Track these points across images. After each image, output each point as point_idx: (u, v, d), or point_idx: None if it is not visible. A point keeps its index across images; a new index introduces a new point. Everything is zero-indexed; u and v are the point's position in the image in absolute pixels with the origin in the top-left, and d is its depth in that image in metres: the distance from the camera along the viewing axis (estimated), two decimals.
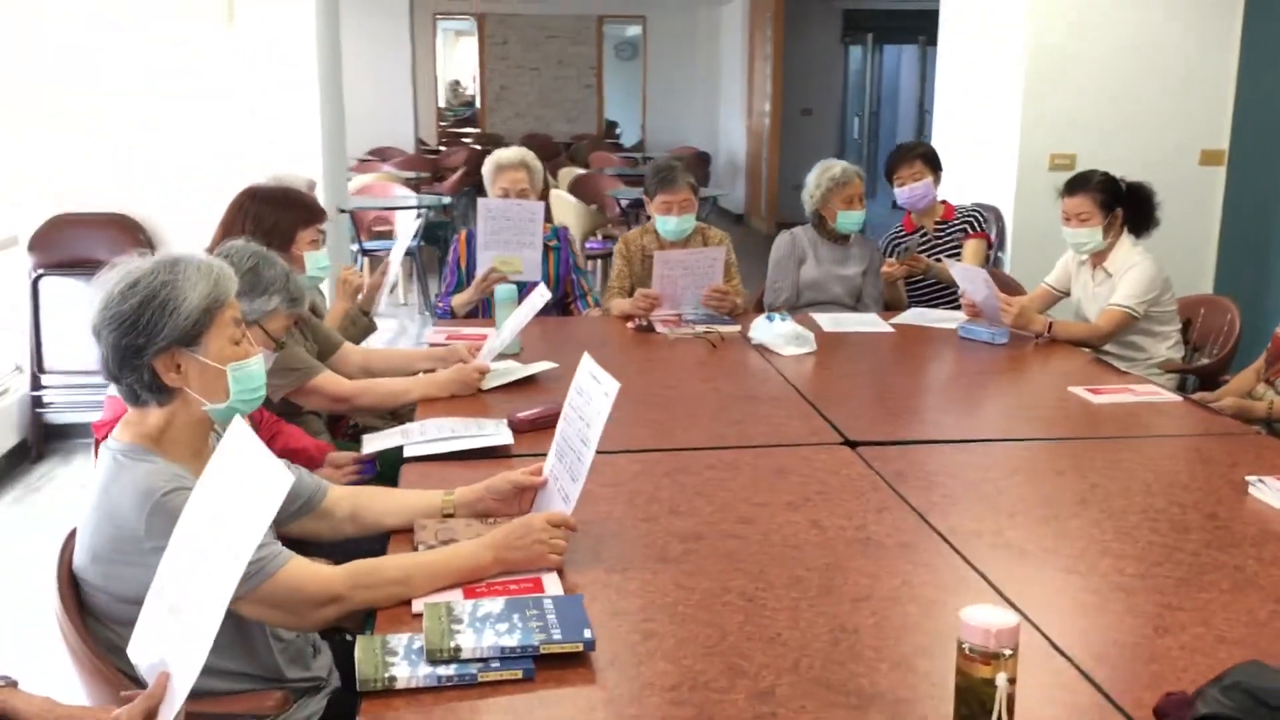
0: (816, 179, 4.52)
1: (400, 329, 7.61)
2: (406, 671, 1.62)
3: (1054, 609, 1.89)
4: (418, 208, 7.93)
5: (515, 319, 3.33)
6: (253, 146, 5.19)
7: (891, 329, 4.01)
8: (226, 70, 5.22)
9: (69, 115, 5.20)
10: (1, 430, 5.07)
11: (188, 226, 4.64)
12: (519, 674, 1.64)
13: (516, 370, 3.26)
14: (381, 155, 12.26)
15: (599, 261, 8.25)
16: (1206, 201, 5.96)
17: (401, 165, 11.23)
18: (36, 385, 5.26)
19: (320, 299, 4.00)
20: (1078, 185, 3.97)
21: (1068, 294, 4.19)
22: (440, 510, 2.19)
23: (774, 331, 3.65)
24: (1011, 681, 1.46)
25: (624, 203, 9.47)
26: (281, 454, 2.79)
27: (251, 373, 1.95)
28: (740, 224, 13.98)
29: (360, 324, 3.95)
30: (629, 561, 2.06)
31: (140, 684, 1.68)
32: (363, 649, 1.68)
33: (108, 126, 5.21)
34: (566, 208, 8.22)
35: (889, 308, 4.56)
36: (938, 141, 6.77)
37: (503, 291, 3.68)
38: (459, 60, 21.15)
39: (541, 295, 3.35)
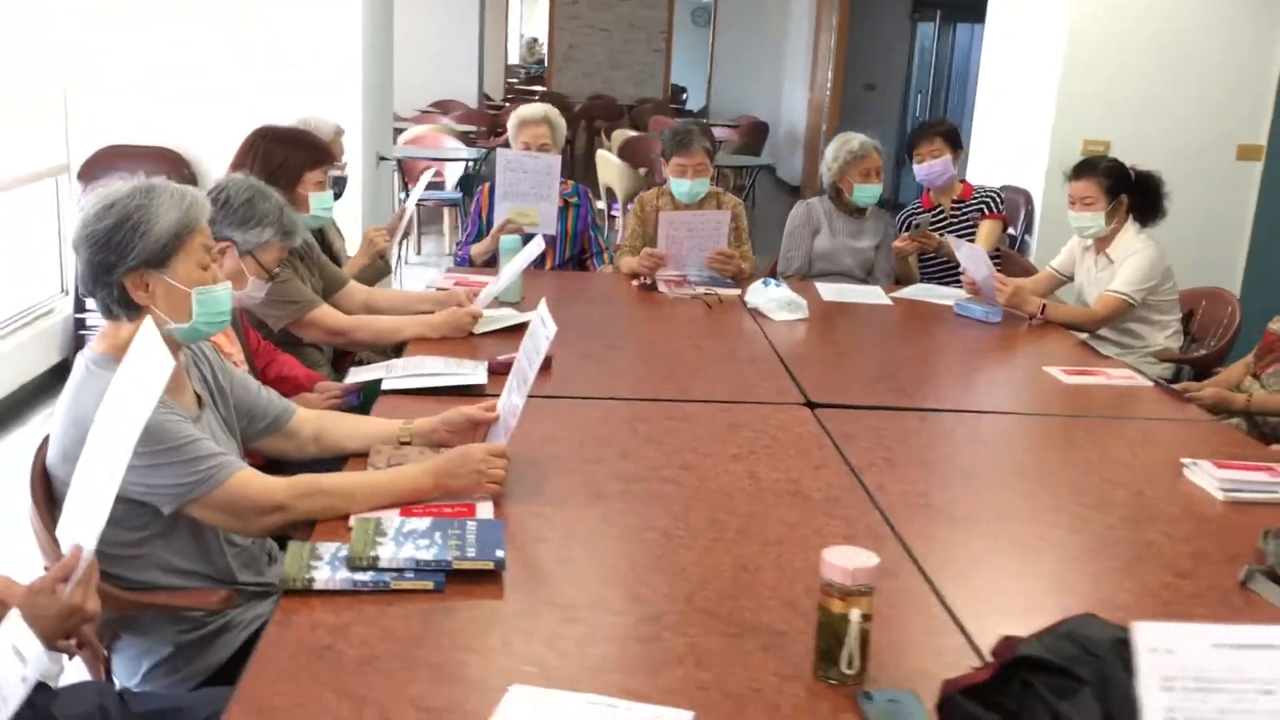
0: (834, 152, 4.58)
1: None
2: (326, 574, 1.76)
3: (952, 564, 1.99)
4: (453, 159, 8.07)
5: (511, 267, 3.45)
6: (292, 92, 5.35)
7: (890, 302, 4.08)
8: (270, 16, 5.38)
9: (124, 60, 5.41)
10: (45, 349, 5.31)
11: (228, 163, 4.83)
12: (430, 585, 1.77)
13: (510, 317, 3.39)
14: (443, 108, 12.43)
15: None
16: (1241, 197, 5.92)
17: (460, 119, 11.38)
18: (80, 308, 5.49)
19: (339, 238, 4.16)
20: (1084, 169, 4.00)
21: (1071, 278, 4.23)
22: (397, 438, 2.33)
23: (768, 296, 3.74)
24: (866, 618, 1.57)
25: None
26: (274, 380, 2.98)
27: (217, 296, 2.08)
28: (796, 195, 13.97)
29: (376, 266, 4.10)
30: (565, 497, 2.18)
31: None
32: (292, 553, 1.82)
33: (158, 68, 5.40)
34: (610, 169, 8.31)
35: (900, 283, 4.62)
36: (977, 122, 6.78)
37: (507, 241, 3.80)
38: (539, 18, 21.24)
39: (537, 245, 3.47)
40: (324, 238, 3.89)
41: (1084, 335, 3.84)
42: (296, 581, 1.75)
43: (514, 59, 18.85)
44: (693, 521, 2.09)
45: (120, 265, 1.97)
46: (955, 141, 4.74)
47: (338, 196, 3.93)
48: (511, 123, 4.56)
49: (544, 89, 17.07)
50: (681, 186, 4.32)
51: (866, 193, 4.55)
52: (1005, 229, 4.85)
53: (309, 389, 2.95)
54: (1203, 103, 5.77)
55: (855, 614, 1.56)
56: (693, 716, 1.44)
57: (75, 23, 5.39)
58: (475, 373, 2.81)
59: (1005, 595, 1.90)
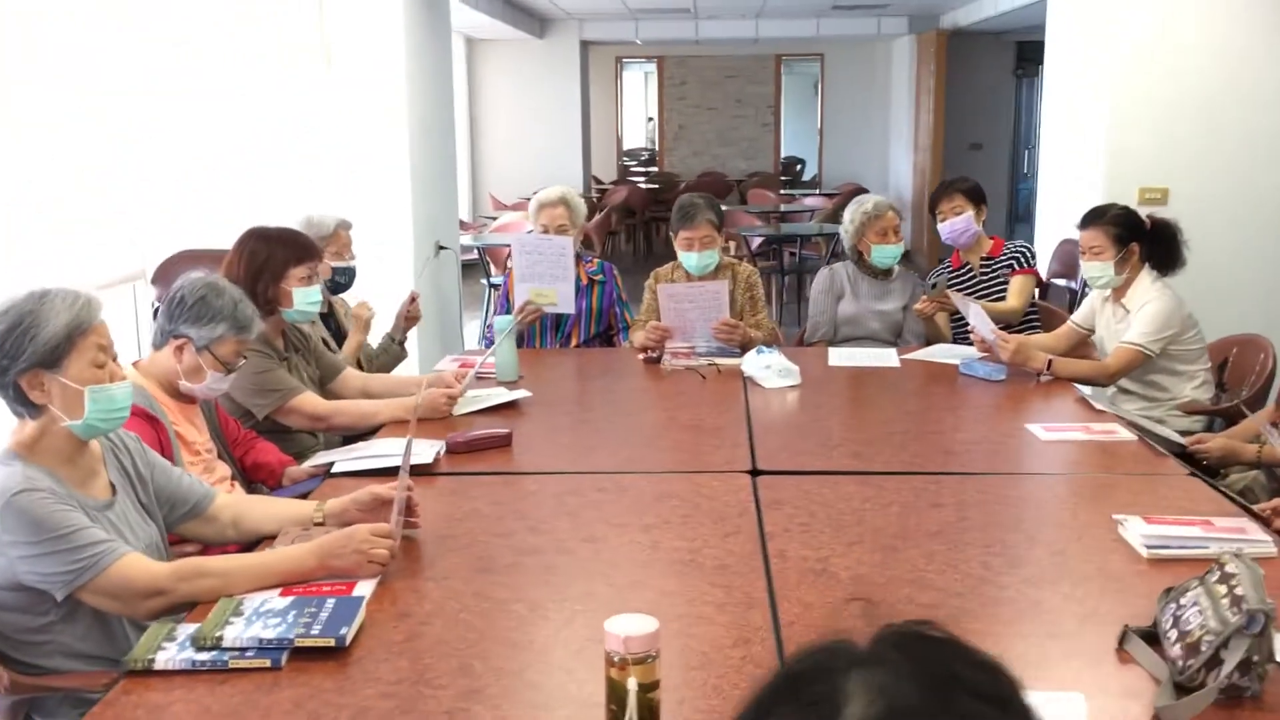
0: (851, 214, 4.56)
1: None
2: (170, 654, 1.83)
3: (816, 629, 1.94)
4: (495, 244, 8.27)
5: (478, 363, 3.57)
6: (343, 187, 5.60)
7: (898, 364, 4.01)
8: (323, 112, 5.66)
9: (184, 161, 5.75)
10: None
11: None
12: (267, 663, 1.82)
13: (489, 397, 3.46)
14: None
15: None
16: None
17: None
18: None
19: (343, 325, 4.29)
20: (1091, 218, 3.89)
21: (1093, 331, 4.09)
22: (310, 519, 2.40)
23: (760, 364, 3.72)
24: (647, 687, 1.55)
25: (755, 241, 9.58)
26: (251, 466, 3.10)
27: (112, 395, 2.19)
28: (905, 260, 13.79)
29: (391, 351, 4.24)
30: (453, 571, 2.22)
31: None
32: (149, 633, 1.90)
33: (216, 169, 5.73)
34: None
35: (930, 344, 4.53)
36: (1041, 174, 6.65)
37: (501, 322, 3.89)
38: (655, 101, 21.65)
39: (508, 320, 3.58)
40: (335, 323, 4.05)
41: (1088, 390, 3.70)
42: (139, 662, 1.82)
43: (640, 141, 19.12)
44: (569, 593, 2.10)
45: (14, 367, 2.10)
46: (978, 198, 4.66)
47: (346, 287, 4.08)
48: (531, 206, 4.68)
49: (657, 169, 17.38)
50: (690, 260, 4.35)
51: (885, 253, 4.51)
52: (1038, 284, 4.72)
53: (279, 473, 3.06)
54: (1267, 147, 5.54)
55: (632, 681, 1.55)
56: None
57: (131, 124, 5.75)
58: (424, 453, 2.88)
59: None
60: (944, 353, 4.16)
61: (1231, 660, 1.65)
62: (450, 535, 2.39)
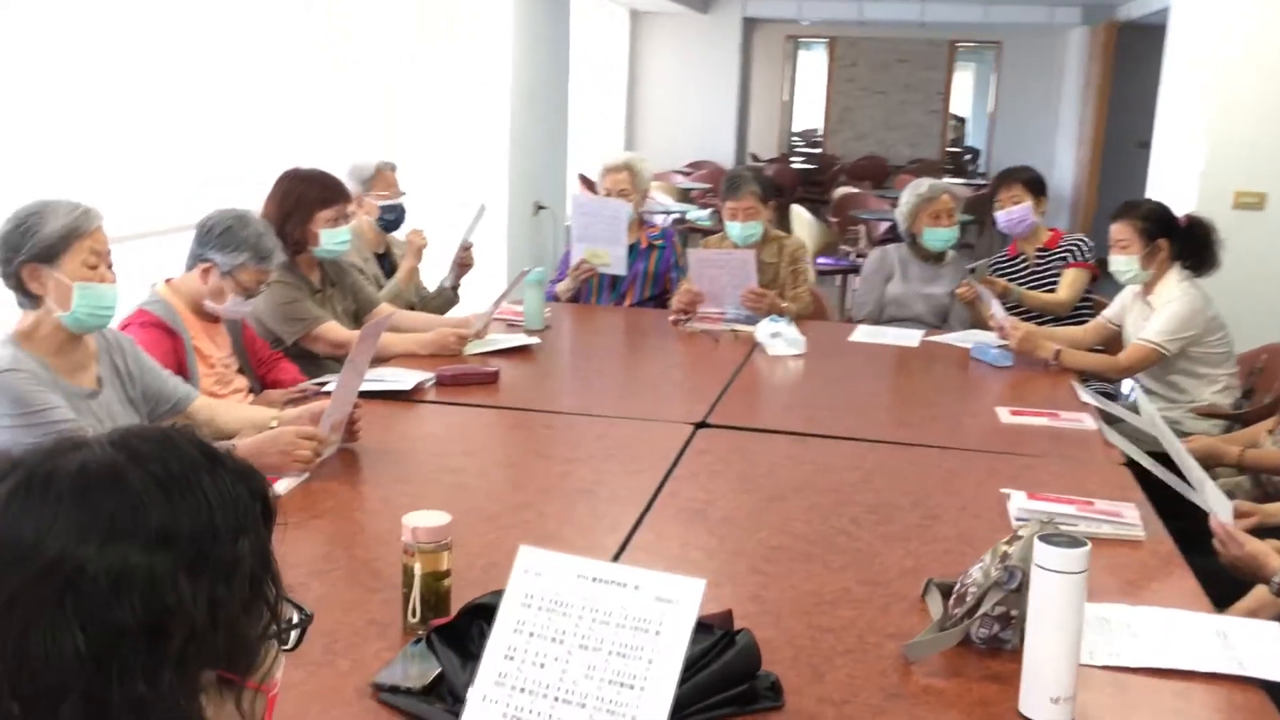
0: (906, 196, 4.61)
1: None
2: None
3: (658, 558, 2.10)
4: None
5: (492, 305, 3.82)
6: (445, 145, 5.93)
7: (916, 345, 4.07)
8: (425, 74, 6.00)
9: (280, 110, 6.17)
10: None
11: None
12: None
13: (498, 341, 3.71)
14: (697, 166, 12.97)
15: (833, 278, 8.47)
16: None
17: (703, 177, 11.84)
18: None
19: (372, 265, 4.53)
20: (1123, 212, 3.87)
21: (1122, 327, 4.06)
22: (267, 424, 2.68)
23: (769, 332, 3.85)
24: (436, 575, 1.77)
25: (883, 226, 9.54)
26: (272, 382, 3.42)
27: (99, 293, 2.51)
28: None
29: (444, 295, 4.52)
30: (373, 479, 2.48)
31: None
32: None
33: (314, 119, 6.13)
34: (801, 223, 8.48)
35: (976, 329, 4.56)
36: (1150, 173, 6.49)
37: (533, 275, 4.12)
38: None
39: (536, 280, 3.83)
40: (390, 262, 4.34)
41: (1094, 384, 3.70)
42: None
43: (814, 122, 18.97)
44: (461, 506, 2.29)
45: (16, 259, 2.44)
46: (1038, 188, 4.64)
47: (396, 224, 4.35)
48: (598, 170, 4.90)
49: (820, 150, 17.34)
50: (734, 229, 4.49)
51: (937, 236, 4.54)
52: (1093, 278, 4.66)
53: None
54: None
55: (417, 566, 1.76)
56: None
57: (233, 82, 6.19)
58: (402, 380, 3.15)
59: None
60: (965, 337, 4.19)
61: (985, 608, 1.76)
62: (392, 451, 2.65)
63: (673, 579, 1.31)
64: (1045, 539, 1.61)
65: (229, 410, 2.79)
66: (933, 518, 2.37)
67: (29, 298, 2.49)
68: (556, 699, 1.26)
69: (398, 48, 6.00)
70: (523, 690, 1.27)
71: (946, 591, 1.95)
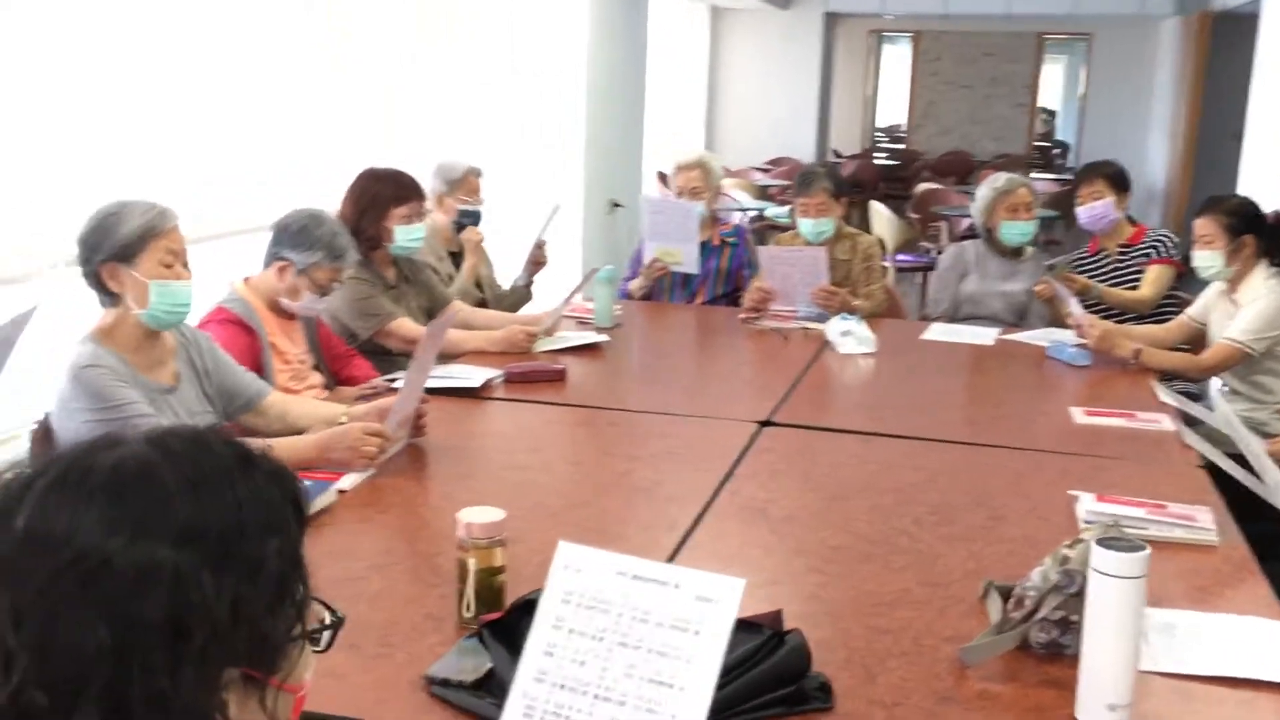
0: (982, 190, 4.54)
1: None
2: None
3: (715, 557, 2.10)
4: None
5: (562, 303, 3.85)
6: (522, 146, 5.97)
7: (991, 343, 4.01)
8: (503, 79, 6.05)
9: (366, 113, 6.26)
10: None
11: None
12: None
13: (568, 339, 3.74)
14: (777, 163, 12.90)
15: (913, 275, 8.38)
16: None
17: (779, 174, 11.78)
18: None
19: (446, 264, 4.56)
20: (1208, 206, 3.77)
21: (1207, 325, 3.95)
22: (337, 419, 2.73)
23: (838, 330, 3.82)
24: (491, 571, 1.79)
25: (965, 222, 9.41)
26: (346, 379, 3.48)
27: (175, 291, 2.57)
28: None
29: (518, 293, 4.56)
30: (437, 475, 2.52)
31: None
32: None
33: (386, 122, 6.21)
34: (880, 219, 8.40)
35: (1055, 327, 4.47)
36: (1241, 167, 6.32)
37: (604, 273, 4.13)
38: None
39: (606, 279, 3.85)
40: (463, 257, 4.38)
41: (1177, 384, 3.61)
42: None
43: (899, 118, 18.73)
44: (522, 503, 2.32)
45: (95, 257, 2.52)
46: (1120, 183, 4.54)
47: (472, 224, 4.39)
48: (670, 168, 4.90)
49: (904, 146, 17.13)
50: (805, 226, 4.47)
51: (1014, 230, 4.46)
52: (1178, 274, 4.55)
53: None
54: None
55: (472, 562, 1.78)
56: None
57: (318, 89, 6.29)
58: (471, 377, 3.18)
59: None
60: (1042, 336, 4.11)
61: (1043, 613, 1.73)
62: (458, 448, 2.68)
63: (713, 577, 1.31)
64: (1103, 543, 1.58)
65: (300, 406, 2.85)
66: (998, 519, 2.33)
67: (109, 296, 2.56)
68: (596, 697, 1.27)
69: (397, 48, 6.02)
70: (563, 687, 1.28)
71: (1006, 594, 1.92)
